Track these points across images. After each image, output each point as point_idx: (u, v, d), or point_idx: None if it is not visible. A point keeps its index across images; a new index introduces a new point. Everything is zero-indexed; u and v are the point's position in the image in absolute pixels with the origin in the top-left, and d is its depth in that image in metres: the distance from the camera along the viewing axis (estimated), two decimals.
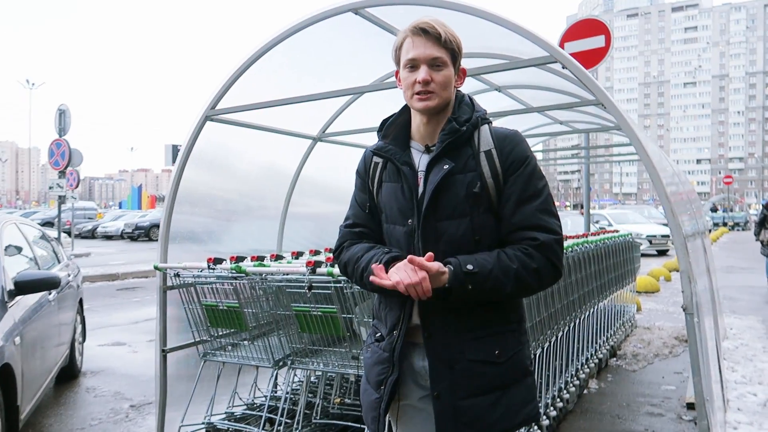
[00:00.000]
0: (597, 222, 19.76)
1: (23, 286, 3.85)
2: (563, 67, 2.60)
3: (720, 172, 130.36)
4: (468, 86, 5.22)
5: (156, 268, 3.74)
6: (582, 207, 10.42)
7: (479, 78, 4.69)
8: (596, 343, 5.67)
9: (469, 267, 1.60)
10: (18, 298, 3.83)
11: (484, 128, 1.78)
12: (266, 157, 5.07)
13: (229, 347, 3.91)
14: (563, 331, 4.55)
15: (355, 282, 1.85)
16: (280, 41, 3.32)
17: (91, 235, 32.96)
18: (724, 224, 43.59)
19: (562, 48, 7.92)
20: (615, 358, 6.30)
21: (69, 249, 20.20)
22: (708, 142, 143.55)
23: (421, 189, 1.74)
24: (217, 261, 3.51)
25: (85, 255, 19.88)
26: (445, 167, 1.70)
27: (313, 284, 3.26)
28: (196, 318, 3.79)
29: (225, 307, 3.66)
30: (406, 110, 1.87)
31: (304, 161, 4.88)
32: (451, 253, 1.66)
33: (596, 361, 5.56)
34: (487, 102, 5.45)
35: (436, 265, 1.57)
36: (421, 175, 1.75)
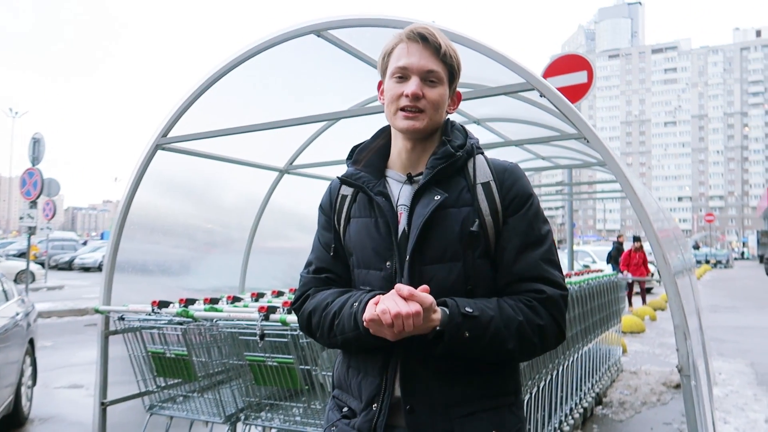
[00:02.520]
0: (581, 260, 19.57)
1: None
2: (541, 95, 2.36)
3: (701, 210, 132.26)
4: None
5: (97, 311, 3.38)
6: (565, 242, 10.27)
7: (458, 111, 4.47)
8: (581, 390, 5.34)
9: (468, 309, 1.32)
10: None
11: (480, 158, 1.51)
12: (246, 187, 4.78)
13: (180, 398, 3.54)
14: (546, 381, 4.23)
15: (320, 335, 1.50)
16: (238, 64, 3.07)
17: (69, 266, 32.11)
18: (707, 261, 43.79)
19: None
20: (601, 406, 5.97)
21: (42, 281, 19.64)
22: (689, 180, 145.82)
23: (403, 225, 1.44)
24: (163, 304, 3.17)
25: (59, 288, 19.23)
26: (436, 198, 1.41)
27: (267, 332, 2.93)
28: (141, 366, 3.43)
29: (172, 355, 3.31)
30: (383, 134, 1.59)
31: (270, 194, 4.59)
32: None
33: (581, 410, 5.22)
34: None
35: (430, 299, 1.27)
36: (402, 210, 1.46)
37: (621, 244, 15.84)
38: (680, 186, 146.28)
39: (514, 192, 1.45)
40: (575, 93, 7.75)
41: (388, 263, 1.43)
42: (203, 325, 3.17)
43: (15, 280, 18.84)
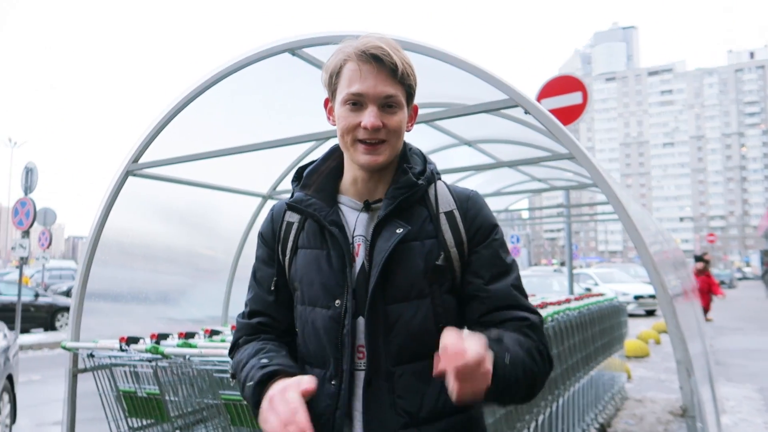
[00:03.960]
0: (583, 282, 19.33)
1: None
2: (525, 112, 2.21)
3: (702, 230, 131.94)
4: (436, 141, 4.89)
5: (64, 347, 3.19)
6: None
7: (448, 132, 4.33)
8: (584, 421, 5.10)
9: (494, 334, 1.18)
10: None
11: (440, 184, 1.38)
12: (233, 210, 4.62)
13: None
14: (546, 414, 4.01)
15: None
16: (211, 85, 2.94)
17: (67, 295, 31.78)
18: None
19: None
20: None
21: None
22: (689, 201, 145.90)
23: (361, 259, 1.28)
24: (132, 340, 2.98)
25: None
26: (398, 231, 1.26)
27: None
28: (112, 407, 3.22)
29: (144, 394, 3.10)
30: (333, 155, 1.43)
31: (254, 221, 4.43)
32: (406, 347, 1.23)
33: None
34: (458, 157, 5.09)
35: (474, 353, 1.01)
36: (359, 241, 1.30)
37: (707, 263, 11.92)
38: (681, 206, 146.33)
39: (478, 222, 1.34)
40: (570, 114, 7.64)
41: (337, 301, 1.27)
42: (175, 362, 2.97)
43: None
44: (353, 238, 1.32)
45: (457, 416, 1.26)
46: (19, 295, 13.46)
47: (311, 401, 1.28)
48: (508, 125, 3.95)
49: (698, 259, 11.79)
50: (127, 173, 3.18)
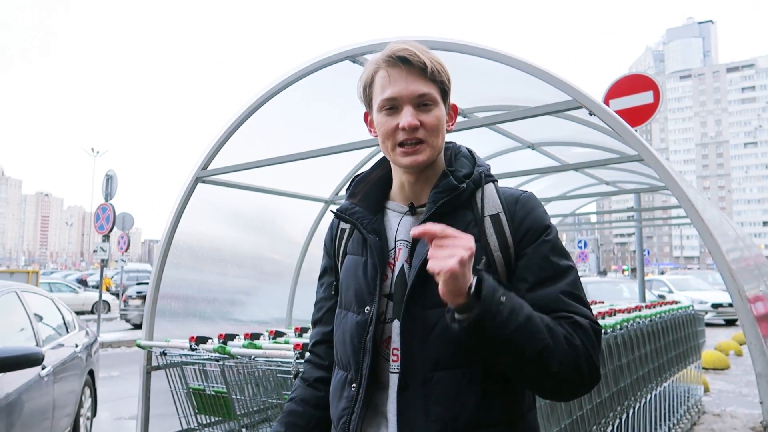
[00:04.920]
0: (655, 289, 18.49)
1: None
2: (590, 113, 2.14)
3: None
4: (498, 144, 4.83)
5: (138, 345, 3.36)
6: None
7: (510, 135, 4.26)
8: None
9: (502, 291, 1.13)
10: None
11: (489, 187, 1.34)
12: (298, 215, 4.75)
13: None
14: (614, 425, 3.86)
15: None
16: (274, 94, 3.02)
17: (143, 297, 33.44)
18: None
19: (607, 106, 7.47)
20: None
21: (116, 312, 20.47)
22: None
23: (400, 264, 1.29)
24: (201, 340, 3.09)
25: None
26: None
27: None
28: (182, 403, 3.36)
29: (212, 392, 3.21)
30: (382, 165, 1.45)
31: (316, 226, 4.51)
32: (444, 352, 1.20)
33: None
34: (521, 160, 5.00)
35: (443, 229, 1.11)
36: (402, 245, 1.31)
37: None
38: (765, 209, 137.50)
39: (528, 223, 1.28)
40: (641, 114, 7.35)
41: (367, 308, 1.29)
42: (241, 362, 3.06)
43: (91, 311, 19.79)
44: (396, 242, 1.33)
45: (500, 427, 1.22)
46: (100, 295, 14.31)
47: (334, 403, 1.34)
48: (574, 127, 3.85)
49: None
50: (197, 180, 3.32)
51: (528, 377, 1.18)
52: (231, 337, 3.17)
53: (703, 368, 8.38)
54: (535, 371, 1.15)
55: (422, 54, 1.26)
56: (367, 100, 1.35)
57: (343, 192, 4.47)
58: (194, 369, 3.33)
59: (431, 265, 1.06)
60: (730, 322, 19.04)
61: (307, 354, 1.54)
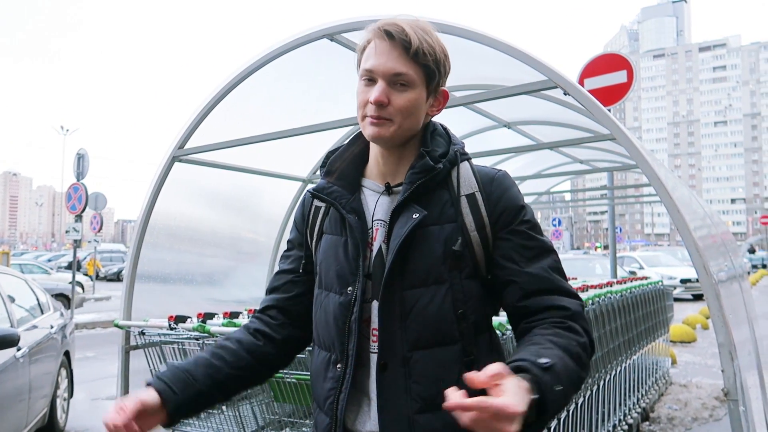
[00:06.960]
0: (627, 266, 18.89)
1: None
2: (565, 93, 2.19)
3: (756, 212, 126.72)
4: (475, 123, 4.86)
5: (116, 325, 3.35)
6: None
7: (487, 114, 4.30)
8: (625, 405, 5.05)
9: (543, 361, 1.05)
10: None
11: (465, 166, 1.34)
12: (276, 195, 4.73)
13: (203, 415, 3.46)
14: (585, 396, 3.99)
15: None
16: (252, 72, 3.00)
17: (117, 277, 33.06)
18: (764, 266, 41.77)
19: (582, 85, 7.54)
20: (648, 422, 5.64)
21: (90, 292, 20.24)
22: (742, 182, 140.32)
23: (378, 244, 1.30)
24: (180, 319, 3.10)
25: (106, 299, 19.94)
26: (414, 216, 1.25)
27: None
28: None
29: None
30: (359, 140, 1.43)
31: (294, 205, 4.51)
32: (423, 332, 1.22)
33: (625, 427, 4.92)
34: (497, 139, 5.05)
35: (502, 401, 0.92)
36: (379, 225, 1.31)
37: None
38: (733, 188, 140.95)
39: (503, 203, 1.29)
40: (615, 93, 7.45)
41: (349, 288, 1.29)
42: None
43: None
44: (372, 222, 1.33)
45: None
46: (74, 276, 14.10)
47: (319, 383, 1.34)
48: (549, 106, 3.89)
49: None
50: (174, 159, 3.30)
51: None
52: (210, 316, 3.19)
53: (671, 341, 8.66)
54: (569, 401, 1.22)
55: (412, 31, 1.23)
56: (358, 65, 1.33)
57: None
58: (173, 348, 3.34)
59: None
60: (698, 297, 19.58)
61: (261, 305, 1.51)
